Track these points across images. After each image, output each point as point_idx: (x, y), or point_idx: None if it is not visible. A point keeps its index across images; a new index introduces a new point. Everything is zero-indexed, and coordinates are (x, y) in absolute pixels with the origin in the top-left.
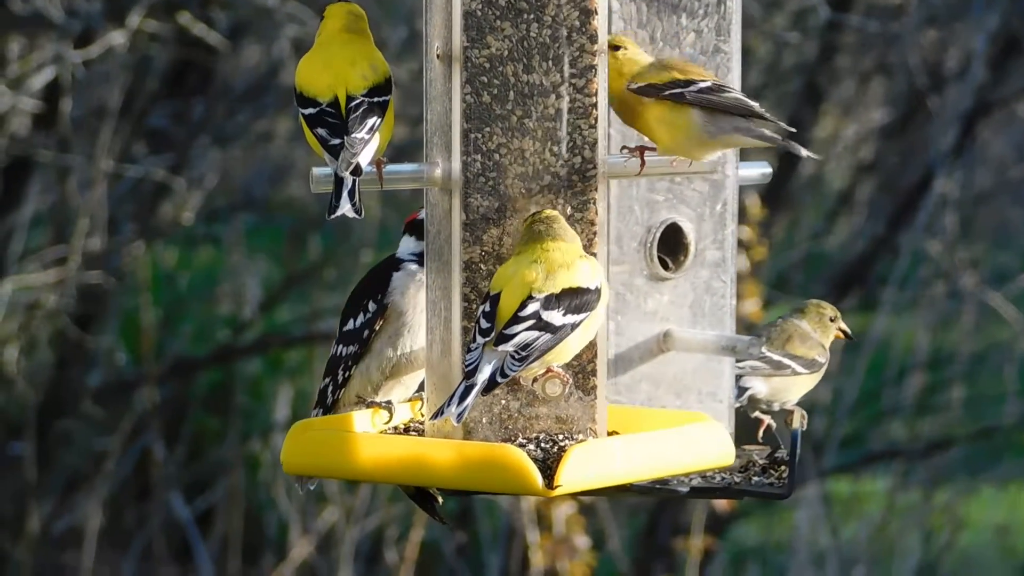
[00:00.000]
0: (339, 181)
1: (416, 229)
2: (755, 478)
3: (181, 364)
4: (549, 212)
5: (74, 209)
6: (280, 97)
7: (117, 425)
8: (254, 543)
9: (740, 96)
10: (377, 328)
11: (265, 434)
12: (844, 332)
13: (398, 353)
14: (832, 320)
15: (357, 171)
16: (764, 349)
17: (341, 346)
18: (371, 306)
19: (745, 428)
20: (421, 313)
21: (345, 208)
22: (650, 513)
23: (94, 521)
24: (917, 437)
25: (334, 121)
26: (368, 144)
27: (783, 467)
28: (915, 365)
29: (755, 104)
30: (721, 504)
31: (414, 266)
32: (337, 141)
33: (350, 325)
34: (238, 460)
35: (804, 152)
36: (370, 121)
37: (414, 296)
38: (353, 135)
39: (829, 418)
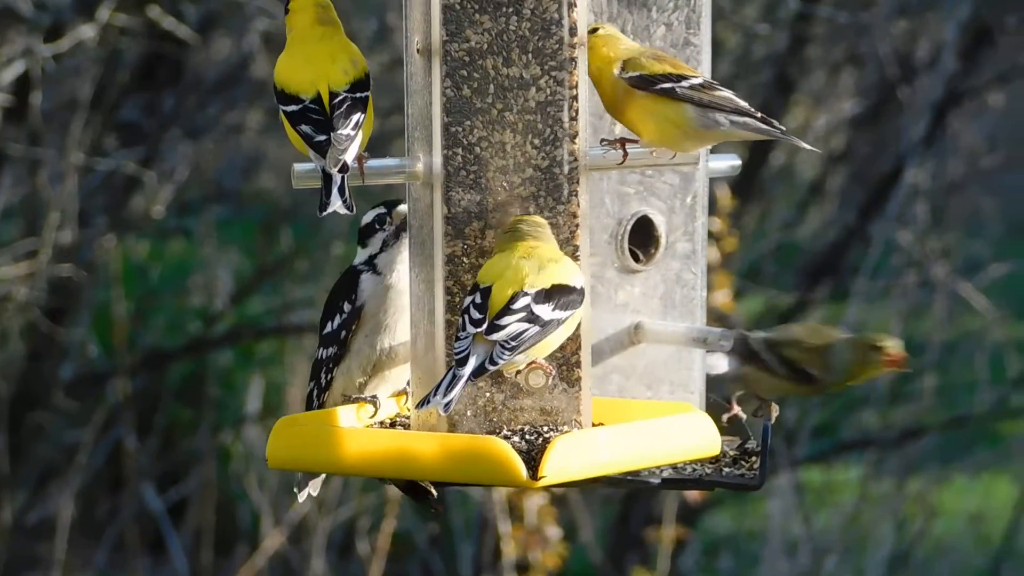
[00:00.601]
0: (327, 178)
1: (361, 236)
2: (726, 469)
3: (153, 356)
4: (535, 216)
5: (45, 202)
6: (251, 89)
7: (89, 417)
8: (226, 534)
9: (731, 95)
10: (354, 328)
11: (237, 425)
12: (891, 359)
13: (377, 351)
14: (875, 349)
15: (344, 168)
16: (763, 334)
17: (322, 349)
18: (346, 307)
19: (716, 420)
20: (396, 312)
21: (336, 205)
22: (622, 504)
23: (66, 512)
24: (889, 426)
25: (318, 118)
26: (354, 140)
27: (754, 458)
28: None
29: (745, 103)
30: (693, 494)
31: (374, 275)
32: (323, 138)
33: (328, 328)
34: (210, 451)
35: (805, 145)
36: (355, 117)
37: (384, 297)
38: (339, 132)
39: (801, 407)
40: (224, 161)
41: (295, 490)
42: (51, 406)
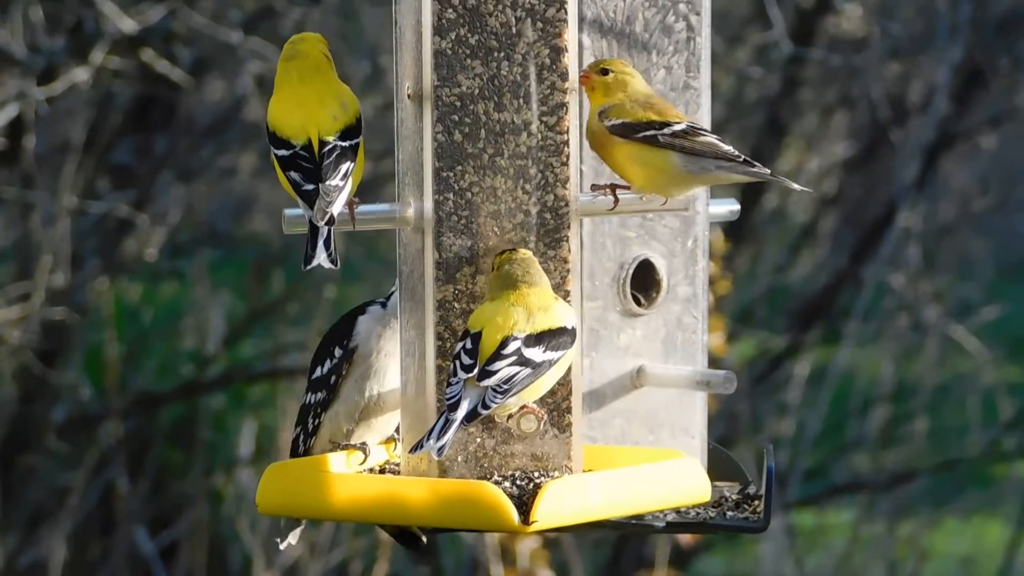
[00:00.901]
0: (314, 230)
1: None
2: (729, 512)
3: (145, 398)
4: (522, 252)
5: (38, 245)
6: (243, 132)
7: (81, 459)
8: None
9: (714, 140)
10: (344, 373)
11: (229, 468)
12: None
13: (365, 397)
14: None
15: (331, 221)
16: None
17: (310, 394)
18: (337, 352)
19: (717, 464)
20: (387, 356)
21: (321, 258)
22: (614, 546)
23: (58, 555)
24: (881, 469)
25: (308, 166)
26: (342, 191)
27: (756, 501)
28: (879, 397)
29: (729, 148)
30: (685, 537)
31: (380, 309)
32: (311, 187)
33: (318, 372)
34: (202, 494)
35: (794, 186)
36: (343, 167)
37: (379, 340)
38: (328, 182)
39: (793, 450)
40: (216, 204)
41: (277, 540)
42: (43, 448)
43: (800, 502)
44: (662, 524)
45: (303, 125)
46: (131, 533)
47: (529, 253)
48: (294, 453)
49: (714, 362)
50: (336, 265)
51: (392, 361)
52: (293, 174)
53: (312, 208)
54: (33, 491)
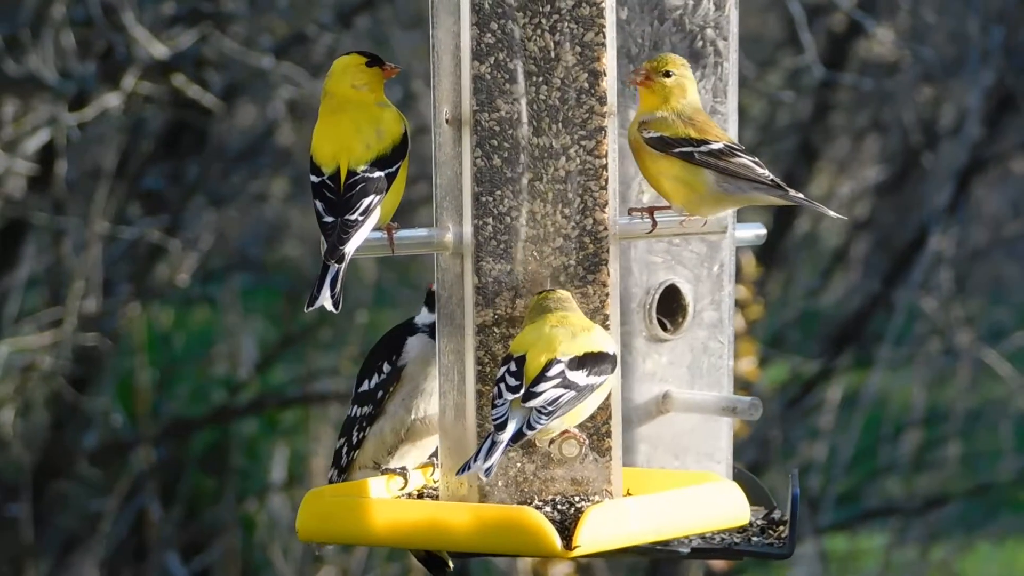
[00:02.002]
0: (324, 268)
1: (432, 300)
2: (754, 538)
3: (177, 424)
4: (559, 291)
5: (69, 271)
6: (275, 157)
7: (113, 486)
8: None
9: (749, 162)
10: (391, 390)
11: (261, 494)
12: None
13: (412, 415)
14: None
15: (341, 259)
16: None
17: (356, 407)
18: (386, 367)
19: (742, 488)
20: (434, 379)
21: (324, 299)
22: (648, 572)
23: None
24: (913, 494)
25: (331, 197)
26: (361, 226)
27: (781, 527)
28: (911, 422)
29: (764, 171)
30: (718, 563)
31: (427, 336)
32: (330, 219)
33: (365, 386)
34: (234, 520)
35: (828, 211)
36: (365, 201)
37: (427, 362)
38: (346, 216)
39: (825, 475)
40: (248, 229)
41: (315, 551)
42: (75, 475)
43: (832, 527)
44: (687, 550)
45: (334, 154)
46: (163, 560)
47: (566, 293)
48: (336, 464)
49: (746, 387)
50: (337, 309)
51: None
52: (318, 203)
53: (327, 241)
54: (65, 518)
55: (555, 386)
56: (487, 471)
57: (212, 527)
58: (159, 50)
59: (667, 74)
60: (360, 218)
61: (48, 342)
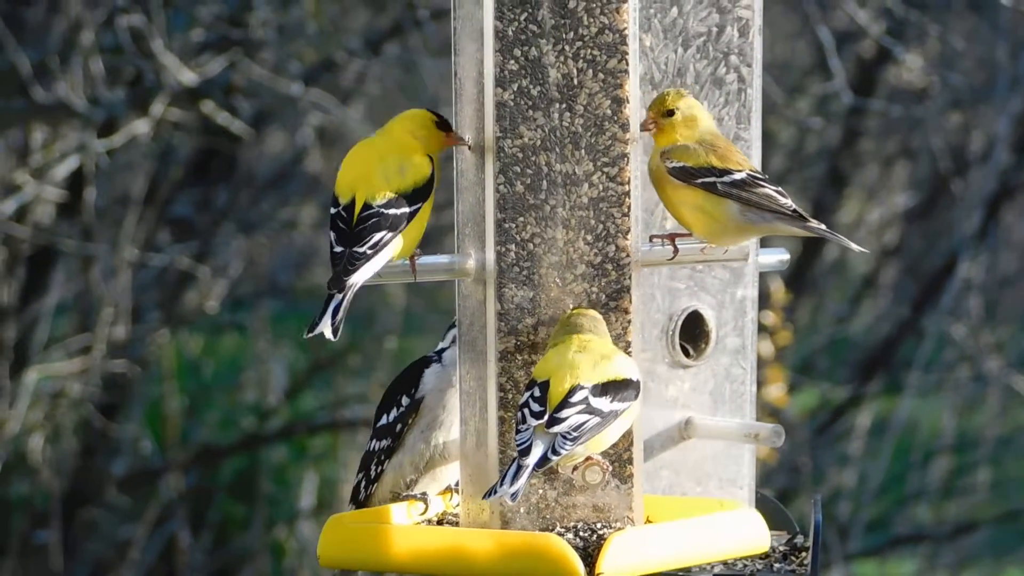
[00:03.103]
0: (328, 297)
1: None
2: (776, 564)
3: (206, 451)
4: (591, 310)
5: (98, 298)
6: (304, 184)
7: (142, 513)
8: None
9: (772, 192)
10: (410, 422)
11: (291, 521)
12: None
13: (431, 447)
14: None
15: (341, 288)
16: None
17: (375, 441)
18: (404, 401)
19: (764, 513)
20: (453, 411)
21: (325, 327)
22: None
23: None
24: (943, 520)
25: (343, 227)
26: (368, 260)
27: (804, 553)
28: (941, 448)
29: (787, 201)
30: None
31: (439, 365)
32: (340, 250)
33: (383, 420)
34: (264, 547)
35: (853, 245)
36: (376, 236)
37: (444, 392)
38: (355, 248)
39: (855, 501)
40: (277, 256)
41: None
42: (104, 502)
43: (862, 553)
44: None
45: (352, 185)
46: None
47: (596, 312)
48: (354, 499)
49: (775, 413)
50: (335, 337)
51: (456, 416)
52: (331, 233)
53: (334, 271)
54: (95, 544)
55: (579, 412)
56: (513, 496)
57: (241, 554)
58: (188, 77)
59: (670, 112)
60: (369, 252)
61: (77, 369)
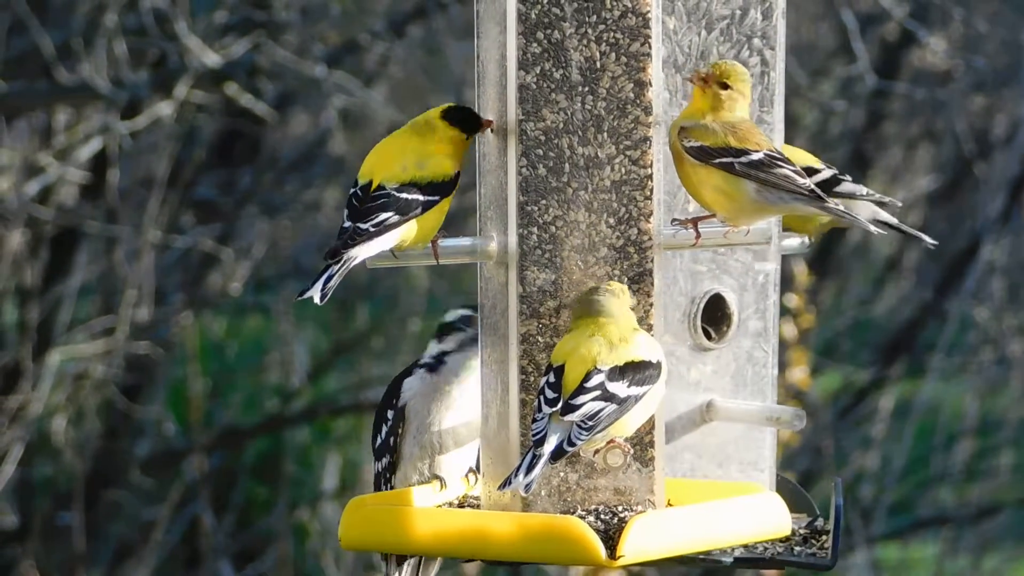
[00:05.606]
0: (326, 267)
1: (441, 331)
2: (797, 548)
3: (229, 433)
4: (616, 285)
5: (122, 279)
6: (327, 167)
7: (166, 494)
8: None
9: (790, 172)
10: (400, 431)
11: (314, 503)
12: None
13: (427, 450)
14: None
15: (337, 258)
16: None
17: (377, 463)
18: (390, 414)
19: (785, 496)
20: (439, 410)
21: (314, 291)
22: None
23: None
24: (966, 503)
25: (355, 204)
26: (370, 237)
27: (824, 536)
28: (963, 431)
29: (805, 181)
30: (770, 572)
31: (422, 371)
32: (347, 225)
33: (378, 440)
34: (287, 529)
35: (871, 228)
36: (382, 215)
37: (428, 396)
38: (358, 224)
39: (878, 484)
40: (301, 238)
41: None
42: (127, 484)
43: (884, 536)
44: (730, 560)
45: (370, 168)
46: (216, 568)
47: (623, 287)
48: None
49: (798, 396)
50: (321, 302)
51: (448, 413)
52: (345, 210)
53: (336, 243)
54: (118, 526)
55: (594, 399)
56: (527, 487)
57: (265, 535)
58: (212, 59)
59: (724, 85)
60: (372, 229)
61: (100, 350)
